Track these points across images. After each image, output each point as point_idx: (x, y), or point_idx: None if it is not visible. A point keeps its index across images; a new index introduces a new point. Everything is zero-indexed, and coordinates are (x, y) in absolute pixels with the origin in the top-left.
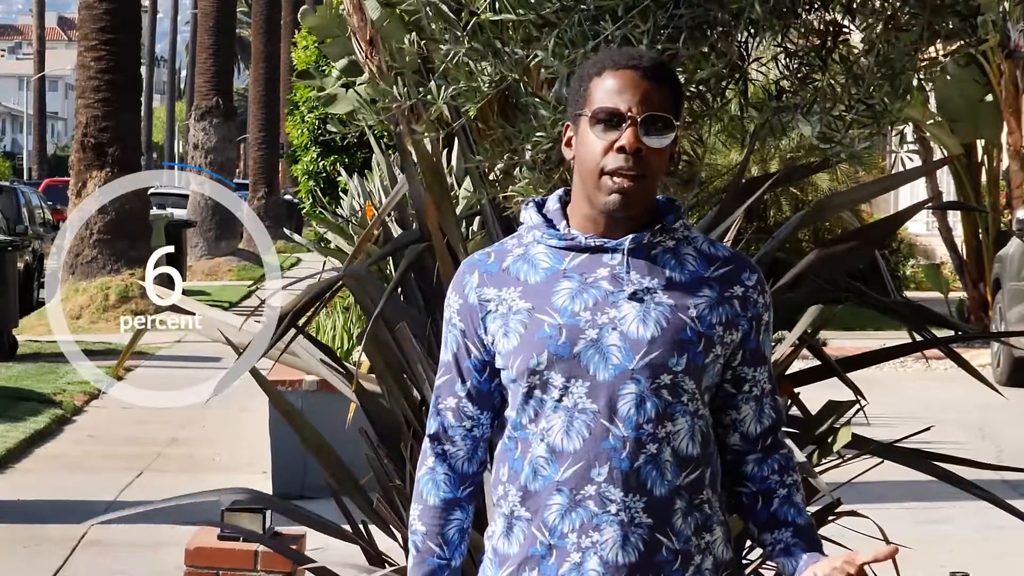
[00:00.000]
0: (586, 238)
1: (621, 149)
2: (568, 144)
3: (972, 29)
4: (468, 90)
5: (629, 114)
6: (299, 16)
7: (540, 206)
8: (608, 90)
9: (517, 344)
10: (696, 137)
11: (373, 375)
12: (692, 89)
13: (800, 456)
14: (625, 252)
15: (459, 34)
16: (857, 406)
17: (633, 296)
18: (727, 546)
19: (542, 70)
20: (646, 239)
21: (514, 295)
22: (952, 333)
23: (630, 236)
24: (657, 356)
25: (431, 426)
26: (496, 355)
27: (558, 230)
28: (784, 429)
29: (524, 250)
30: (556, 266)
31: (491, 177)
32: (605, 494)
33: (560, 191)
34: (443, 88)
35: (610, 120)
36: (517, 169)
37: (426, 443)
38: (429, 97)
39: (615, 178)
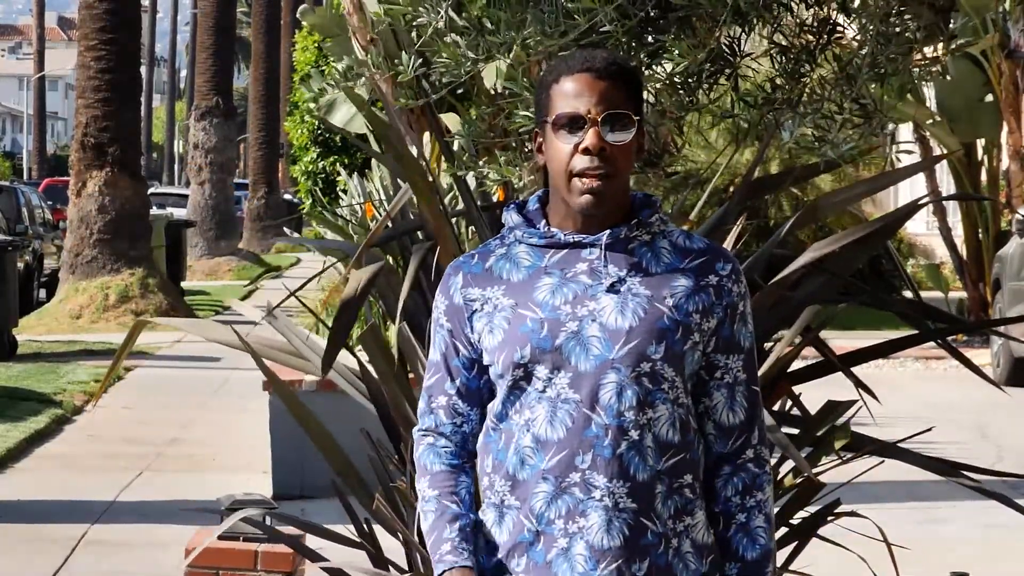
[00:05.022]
0: (564, 235)
1: (586, 151)
2: (540, 150)
3: (945, 24)
4: (451, 64)
5: (588, 116)
6: (299, 14)
7: (521, 208)
8: (567, 95)
9: (502, 340)
10: (677, 128)
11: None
12: (678, 81)
13: (789, 457)
14: (602, 247)
15: (441, 9)
16: (857, 405)
17: (611, 288)
18: (708, 530)
19: (519, 52)
20: (623, 233)
21: (498, 293)
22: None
23: (607, 231)
24: (636, 345)
25: (423, 423)
26: (483, 352)
27: (538, 229)
28: (784, 430)
29: (507, 250)
30: (537, 263)
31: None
32: (589, 481)
33: (539, 192)
34: (413, 59)
35: (572, 124)
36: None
37: (418, 434)
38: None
39: (584, 179)
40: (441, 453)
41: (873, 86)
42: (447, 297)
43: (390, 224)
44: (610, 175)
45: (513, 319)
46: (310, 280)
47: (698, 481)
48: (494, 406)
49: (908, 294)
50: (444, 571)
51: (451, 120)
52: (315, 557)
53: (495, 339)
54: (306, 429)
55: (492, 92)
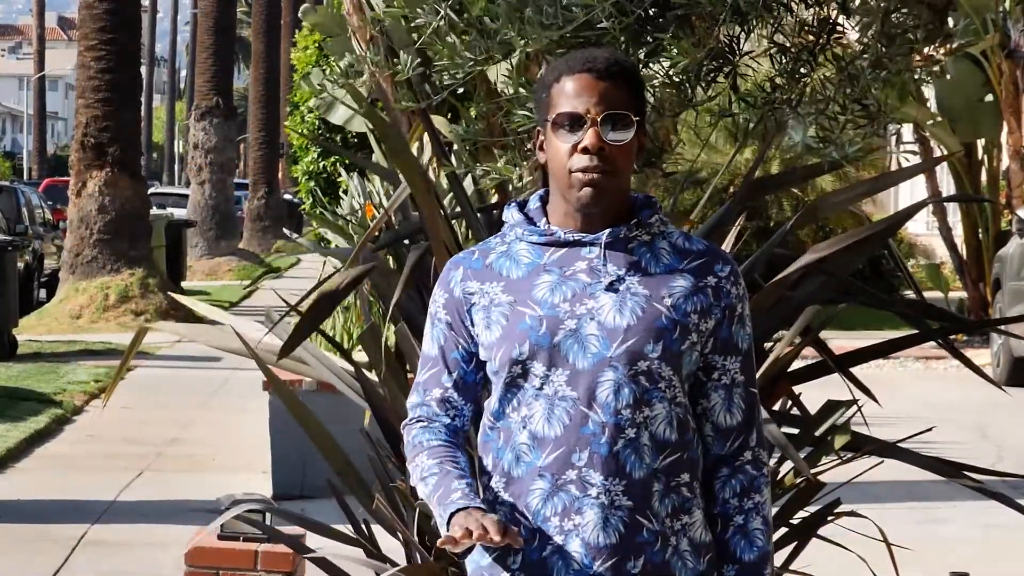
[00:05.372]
0: (565, 233)
1: (585, 150)
2: (540, 148)
3: (941, 24)
4: (451, 64)
5: (588, 115)
6: (300, 14)
7: (521, 206)
8: (567, 94)
9: (499, 336)
10: (673, 126)
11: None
12: (676, 79)
13: (789, 458)
14: (602, 245)
15: (440, 9)
16: (857, 405)
17: (610, 287)
18: (706, 529)
19: (522, 51)
20: (623, 233)
21: (496, 289)
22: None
23: (607, 230)
24: (633, 343)
25: (415, 413)
26: (480, 347)
27: (538, 227)
28: (785, 430)
29: (507, 247)
30: (536, 261)
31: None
32: (586, 478)
33: (540, 191)
34: (412, 59)
35: (572, 123)
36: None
37: (409, 423)
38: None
39: (584, 174)
40: (437, 431)
41: (876, 87)
42: (447, 290)
43: (387, 226)
44: (609, 173)
45: (512, 316)
46: (308, 294)
47: (696, 480)
48: (491, 405)
49: (910, 294)
50: (456, 510)
51: (441, 123)
52: (309, 550)
53: (492, 335)
54: (306, 429)
55: (495, 90)
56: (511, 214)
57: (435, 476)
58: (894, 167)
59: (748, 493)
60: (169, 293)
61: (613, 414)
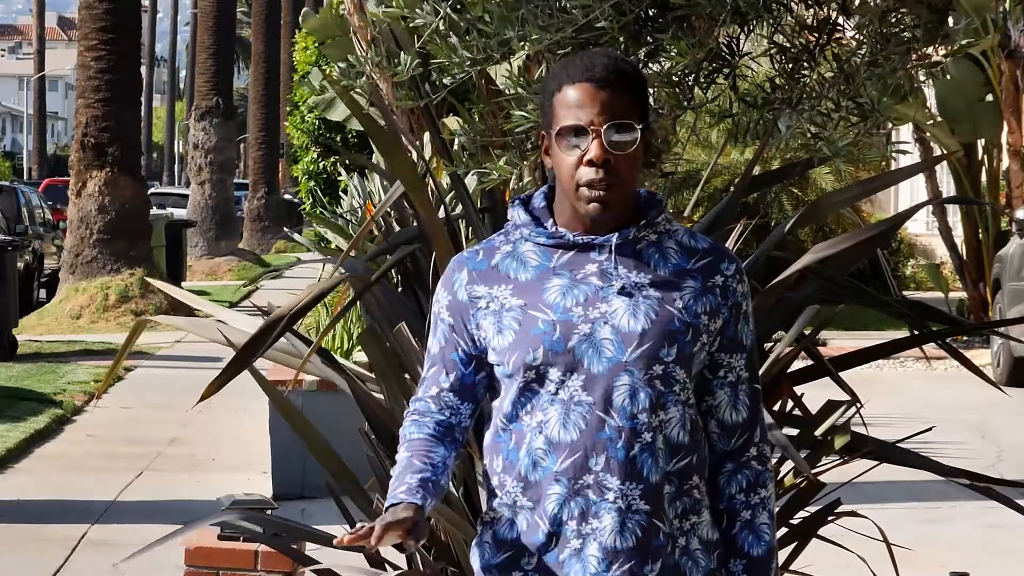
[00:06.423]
0: (573, 236)
1: (590, 162)
2: (546, 152)
3: (941, 24)
4: (449, 64)
5: (591, 128)
6: (301, 19)
7: (526, 204)
8: (569, 105)
9: (512, 340)
10: (672, 126)
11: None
12: (675, 79)
13: (789, 458)
14: (612, 249)
15: (440, 9)
16: (857, 406)
17: (622, 291)
18: (714, 527)
19: (523, 52)
20: (631, 235)
21: (505, 292)
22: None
23: (616, 233)
24: (649, 347)
25: (412, 406)
26: (490, 351)
27: (545, 228)
28: (785, 431)
29: (512, 247)
30: (545, 263)
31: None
32: (603, 483)
33: (544, 188)
34: (411, 59)
35: (575, 136)
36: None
37: (406, 415)
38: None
39: (590, 190)
40: (424, 425)
41: (871, 85)
42: (450, 292)
43: (381, 223)
44: (615, 185)
45: (524, 320)
46: (313, 305)
47: (704, 481)
48: (503, 407)
49: (910, 294)
50: (392, 504)
51: (453, 124)
52: (309, 561)
53: (505, 340)
54: (298, 432)
55: (495, 90)
56: (516, 213)
57: (397, 470)
58: (893, 167)
59: (754, 488)
60: (160, 287)
61: (629, 418)
